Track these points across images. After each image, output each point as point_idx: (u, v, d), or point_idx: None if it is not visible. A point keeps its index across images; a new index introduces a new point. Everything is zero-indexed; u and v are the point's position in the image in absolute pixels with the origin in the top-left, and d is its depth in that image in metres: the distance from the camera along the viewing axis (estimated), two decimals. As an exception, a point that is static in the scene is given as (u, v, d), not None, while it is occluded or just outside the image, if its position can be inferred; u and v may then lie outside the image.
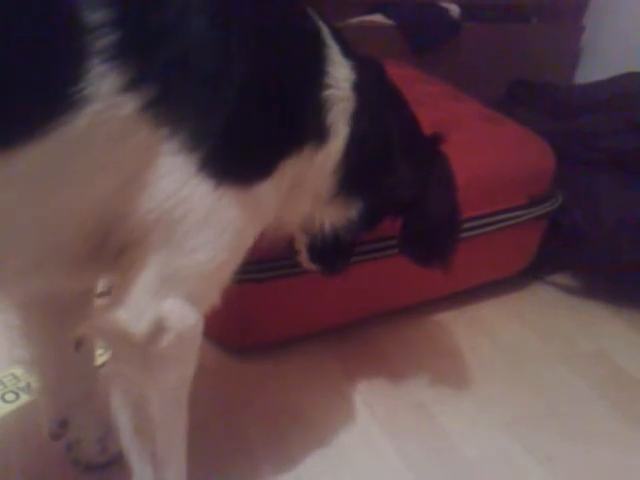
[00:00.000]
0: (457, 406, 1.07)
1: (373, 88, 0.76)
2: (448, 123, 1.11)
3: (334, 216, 0.80)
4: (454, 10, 1.91)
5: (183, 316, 0.62)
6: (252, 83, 0.59)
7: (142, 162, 0.55)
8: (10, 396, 0.99)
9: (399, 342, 1.21)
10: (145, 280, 0.59)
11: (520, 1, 2.05)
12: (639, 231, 1.30)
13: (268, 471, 0.92)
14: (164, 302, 0.60)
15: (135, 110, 0.52)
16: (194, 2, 0.54)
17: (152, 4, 0.52)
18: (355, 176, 0.76)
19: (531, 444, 1.00)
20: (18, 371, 1.02)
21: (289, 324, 1.14)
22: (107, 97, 0.50)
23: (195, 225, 0.59)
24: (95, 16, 0.48)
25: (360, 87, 0.73)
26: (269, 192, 0.66)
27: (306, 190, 0.75)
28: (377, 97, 0.77)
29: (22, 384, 1.01)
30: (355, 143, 0.73)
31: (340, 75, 0.70)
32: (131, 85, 0.51)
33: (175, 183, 0.56)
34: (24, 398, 0.99)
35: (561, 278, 1.46)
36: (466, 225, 1.12)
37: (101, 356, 0.97)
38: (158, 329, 0.60)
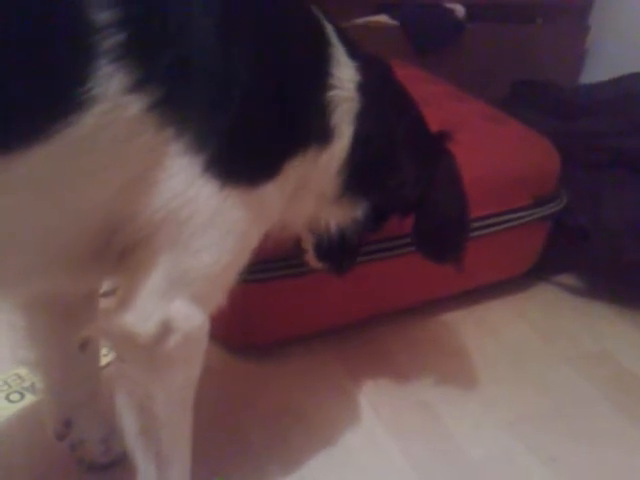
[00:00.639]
0: (462, 406, 1.07)
1: (378, 88, 0.76)
2: (452, 123, 1.11)
3: (340, 216, 0.80)
4: (459, 11, 1.91)
5: (190, 317, 0.62)
6: (256, 84, 0.59)
7: (148, 162, 0.55)
8: (15, 396, 0.99)
9: (403, 342, 1.21)
10: (152, 282, 0.59)
11: (525, 1, 2.04)
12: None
13: (272, 472, 0.92)
14: (171, 304, 0.60)
15: (141, 111, 0.52)
16: (198, 4, 0.54)
17: (157, 5, 0.52)
18: (360, 176, 0.76)
19: (535, 444, 1.00)
20: (23, 371, 1.02)
21: (293, 324, 1.14)
22: (114, 97, 0.50)
23: (200, 226, 0.59)
24: (102, 16, 0.48)
25: (365, 88, 0.73)
26: (274, 193, 0.66)
27: (311, 191, 0.75)
28: (382, 97, 0.77)
29: (27, 384, 1.01)
30: (359, 143, 0.73)
31: (345, 76, 0.71)
32: (137, 85, 0.51)
33: (181, 184, 0.56)
34: (29, 398, 0.99)
35: (566, 279, 1.45)
36: (471, 225, 1.11)
37: (105, 356, 0.98)
38: (165, 330, 0.60)
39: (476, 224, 1.17)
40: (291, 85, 0.64)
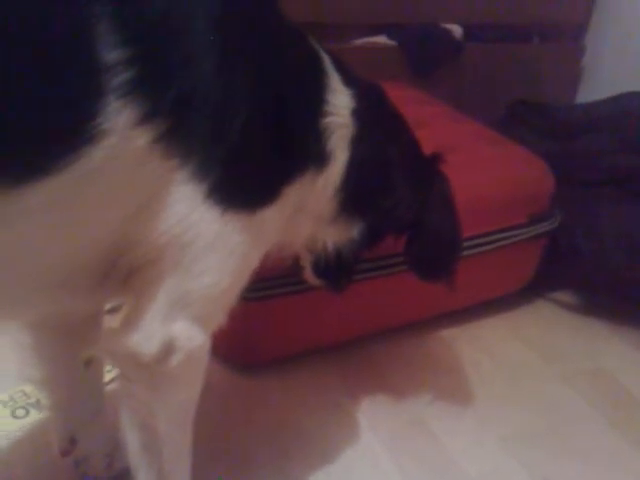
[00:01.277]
0: (457, 423, 1.08)
1: (372, 114, 0.79)
2: (448, 144, 1.14)
3: (336, 236, 0.83)
4: (457, 31, 1.93)
5: (192, 337, 0.64)
6: (255, 116, 0.62)
7: (155, 190, 0.58)
8: (20, 412, 1.01)
9: (400, 359, 1.22)
10: (156, 303, 0.62)
11: (521, 21, 2.07)
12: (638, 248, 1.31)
13: (271, 487, 0.93)
14: (174, 324, 0.62)
15: (148, 143, 0.54)
16: (201, 45, 0.57)
17: (164, 44, 0.55)
18: (355, 198, 0.79)
19: (530, 462, 1.01)
20: (28, 388, 1.03)
21: (292, 341, 1.16)
22: (122, 131, 0.52)
23: (202, 250, 0.61)
24: (112, 55, 0.51)
25: (359, 113, 0.76)
26: (273, 217, 0.68)
27: (308, 213, 0.77)
28: (376, 122, 0.80)
29: (32, 400, 1.02)
30: (354, 167, 0.77)
31: (340, 103, 0.74)
32: (144, 119, 0.53)
33: (185, 209, 0.59)
34: (34, 414, 1.00)
35: (562, 296, 1.47)
36: (466, 244, 1.14)
37: (109, 372, 0.99)
38: (168, 350, 0.62)
39: (472, 242, 1.20)
40: (289, 114, 0.67)
